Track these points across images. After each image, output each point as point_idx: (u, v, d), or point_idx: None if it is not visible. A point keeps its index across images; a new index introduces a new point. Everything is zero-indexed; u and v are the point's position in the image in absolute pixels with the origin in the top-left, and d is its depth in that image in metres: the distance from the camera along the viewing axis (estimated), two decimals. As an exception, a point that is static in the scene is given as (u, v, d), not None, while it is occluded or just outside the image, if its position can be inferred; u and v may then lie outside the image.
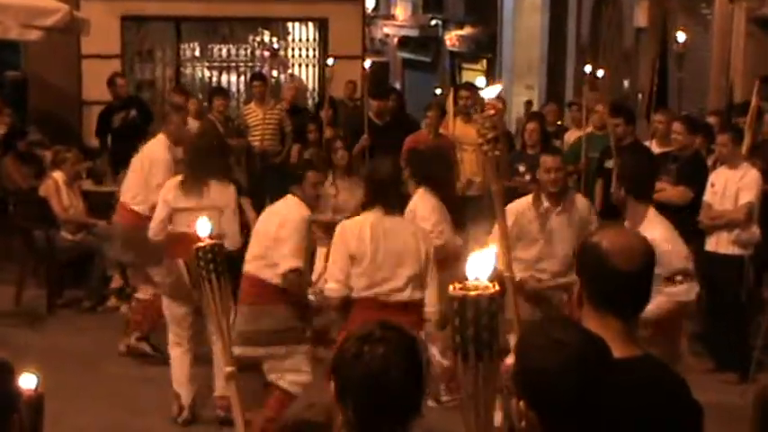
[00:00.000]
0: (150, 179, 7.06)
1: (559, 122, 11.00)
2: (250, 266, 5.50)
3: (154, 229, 6.26)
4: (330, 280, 5.13)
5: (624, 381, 2.23)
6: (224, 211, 6.05)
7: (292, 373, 5.48)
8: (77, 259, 8.60)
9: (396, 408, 2.20)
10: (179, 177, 6.28)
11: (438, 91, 9.61)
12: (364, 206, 5.30)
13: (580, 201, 6.03)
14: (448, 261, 5.70)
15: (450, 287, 1.71)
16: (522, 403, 2.04)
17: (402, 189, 5.53)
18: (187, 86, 12.91)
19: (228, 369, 3.15)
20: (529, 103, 14.88)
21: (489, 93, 2.72)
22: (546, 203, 5.74)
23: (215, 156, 6.26)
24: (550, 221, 5.74)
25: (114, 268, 8.68)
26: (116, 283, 8.67)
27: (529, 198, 5.85)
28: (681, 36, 8.74)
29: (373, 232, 5.07)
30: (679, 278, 4.76)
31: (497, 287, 1.73)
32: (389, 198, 5.16)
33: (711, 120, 8.74)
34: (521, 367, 2.06)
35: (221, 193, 6.15)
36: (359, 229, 5.10)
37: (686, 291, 4.84)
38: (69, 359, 7.00)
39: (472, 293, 1.70)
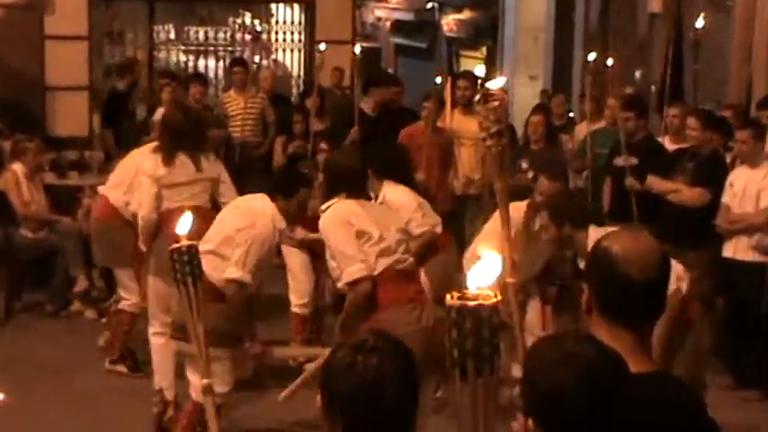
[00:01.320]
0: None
1: (571, 114, 11.01)
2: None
3: (147, 208, 6.34)
4: (351, 266, 5.11)
5: (637, 397, 2.24)
6: (221, 180, 6.38)
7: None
8: (38, 259, 8.56)
9: (390, 422, 2.20)
10: (157, 153, 6.37)
11: (438, 80, 9.56)
12: (326, 198, 5.39)
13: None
14: (435, 249, 5.84)
15: (448, 296, 1.69)
16: (530, 421, 2.04)
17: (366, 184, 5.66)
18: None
19: (205, 381, 3.15)
20: (544, 93, 14.84)
21: (494, 84, 2.72)
22: (539, 223, 5.80)
23: (195, 128, 6.45)
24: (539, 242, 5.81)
25: (79, 269, 8.65)
26: (81, 285, 8.65)
27: (524, 205, 5.89)
28: (700, 22, 8.72)
29: (361, 208, 5.25)
30: None
31: (499, 295, 1.71)
32: (356, 188, 5.33)
33: (726, 113, 8.75)
34: (530, 382, 2.06)
35: (210, 164, 6.42)
36: (348, 209, 5.21)
37: None
38: (30, 369, 6.98)
39: (471, 303, 1.68)
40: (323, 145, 7.79)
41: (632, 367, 2.30)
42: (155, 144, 6.58)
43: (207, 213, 6.12)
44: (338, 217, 5.21)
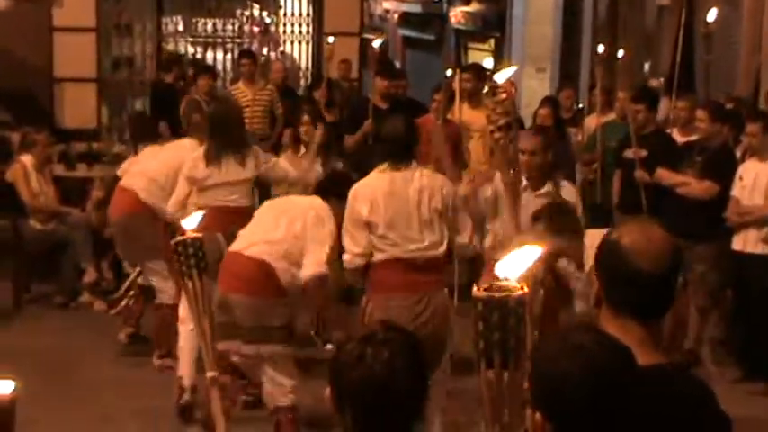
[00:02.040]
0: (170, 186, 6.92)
1: (581, 105, 10.96)
2: (263, 251, 5.44)
3: (174, 205, 6.40)
4: (348, 249, 5.22)
5: (647, 391, 2.23)
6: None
7: (285, 376, 5.48)
8: (47, 250, 8.58)
9: (398, 414, 2.20)
10: (201, 152, 6.42)
11: (449, 72, 9.53)
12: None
13: (568, 193, 5.96)
14: None
15: (474, 288, 1.69)
16: (537, 415, 2.03)
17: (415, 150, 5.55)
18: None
19: (211, 374, 3.14)
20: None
21: (502, 76, 2.70)
22: (525, 182, 5.73)
23: (238, 126, 6.48)
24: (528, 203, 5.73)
25: (88, 260, 8.66)
26: (90, 276, 8.66)
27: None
28: (711, 15, 8.69)
29: (385, 194, 5.20)
30: None
31: (525, 288, 1.70)
32: (400, 155, 5.25)
33: (729, 105, 8.72)
34: (536, 375, 2.04)
35: (253, 161, 6.42)
36: (371, 191, 5.20)
37: None
38: (39, 361, 6.97)
39: (498, 295, 1.67)
40: (305, 117, 7.75)
41: (641, 360, 2.28)
42: (200, 145, 6.57)
43: (244, 212, 6.14)
44: (358, 195, 5.24)
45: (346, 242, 5.25)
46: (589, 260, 4.46)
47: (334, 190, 5.66)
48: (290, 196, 5.97)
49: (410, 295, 5.15)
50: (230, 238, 6.18)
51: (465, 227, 6.66)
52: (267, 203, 6.00)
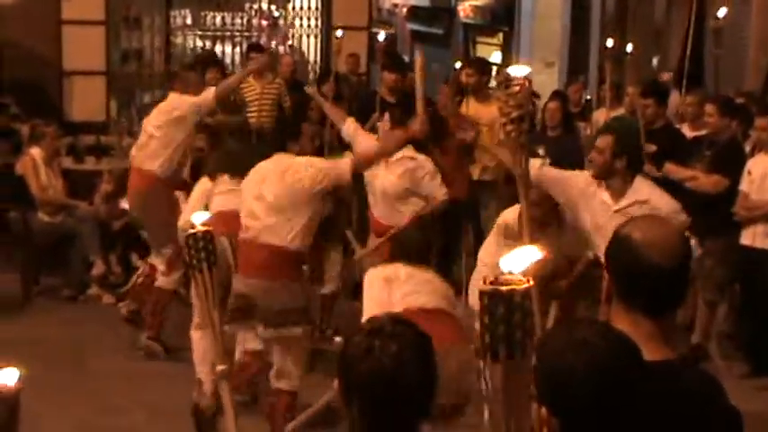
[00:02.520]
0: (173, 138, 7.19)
1: (589, 97, 10.93)
2: (264, 234, 5.47)
3: (186, 220, 6.32)
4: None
5: (656, 386, 2.22)
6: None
7: (293, 362, 5.51)
8: (56, 243, 8.59)
9: (406, 409, 2.19)
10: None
11: (458, 64, 9.50)
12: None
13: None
14: None
15: (481, 281, 1.68)
16: (543, 410, 2.02)
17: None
18: (177, 57, 12.88)
19: (220, 367, 3.14)
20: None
21: (516, 71, 2.68)
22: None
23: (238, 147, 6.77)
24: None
25: (96, 253, 8.67)
26: (98, 269, 8.66)
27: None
28: (722, 11, 8.67)
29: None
30: None
31: (531, 282, 1.69)
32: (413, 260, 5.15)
33: (740, 100, 8.70)
34: (541, 370, 2.03)
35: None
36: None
37: None
38: (47, 353, 6.99)
39: (504, 288, 1.66)
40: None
41: (651, 355, 2.28)
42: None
43: None
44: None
45: None
46: None
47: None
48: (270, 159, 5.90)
49: None
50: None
51: None
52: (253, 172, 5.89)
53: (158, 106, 7.52)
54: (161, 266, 7.27)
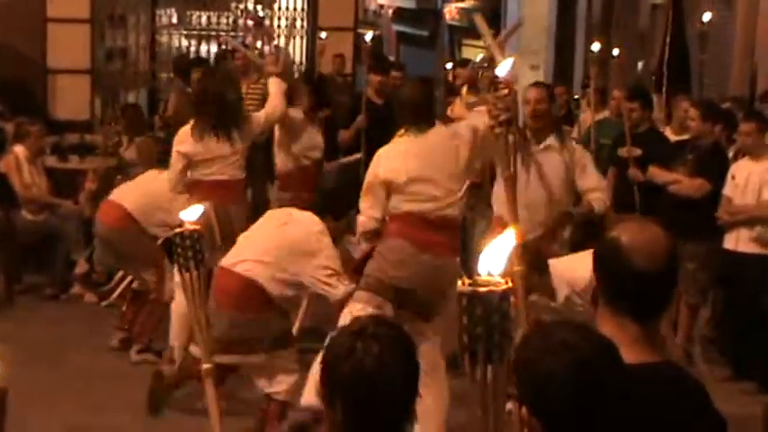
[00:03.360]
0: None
1: (576, 97, 10.95)
2: (254, 270, 5.42)
3: (173, 181, 6.49)
4: (361, 216, 5.40)
5: (640, 388, 2.23)
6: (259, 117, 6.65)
7: (282, 374, 5.49)
8: (39, 242, 8.55)
9: (388, 409, 2.19)
10: (189, 127, 6.53)
11: (449, 65, 9.50)
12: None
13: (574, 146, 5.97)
14: None
15: (459, 282, 1.69)
16: (523, 409, 2.03)
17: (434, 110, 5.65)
18: (163, 57, 12.86)
19: (206, 366, 3.14)
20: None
21: (502, 70, 2.68)
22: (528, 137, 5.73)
23: (222, 102, 6.48)
24: (535, 159, 5.70)
25: (79, 252, 8.64)
26: (81, 268, 8.63)
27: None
28: (707, 16, 8.72)
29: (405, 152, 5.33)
30: None
31: (509, 283, 1.70)
32: (420, 120, 5.31)
33: (726, 105, 8.74)
34: (522, 371, 2.04)
35: (242, 133, 6.49)
36: (387, 155, 5.36)
37: None
38: (30, 352, 6.94)
39: (482, 289, 1.67)
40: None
41: (636, 358, 2.29)
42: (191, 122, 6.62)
43: (235, 186, 6.39)
44: (374, 165, 5.42)
45: (363, 205, 5.34)
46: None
47: (330, 209, 5.69)
48: (290, 209, 5.87)
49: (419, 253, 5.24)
50: (223, 215, 6.21)
51: None
52: (268, 214, 5.95)
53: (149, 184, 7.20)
54: (152, 285, 7.14)
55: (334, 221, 5.61)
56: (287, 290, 5.44)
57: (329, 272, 5.35)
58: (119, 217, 7.03)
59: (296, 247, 5.40)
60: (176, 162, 6.51)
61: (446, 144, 5.32)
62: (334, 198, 6.01)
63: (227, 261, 5.52)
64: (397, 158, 5.30)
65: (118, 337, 7.36)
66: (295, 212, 5.70)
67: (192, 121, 6.56)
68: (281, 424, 5.37)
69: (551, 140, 5.76)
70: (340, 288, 5.35)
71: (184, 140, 6.50)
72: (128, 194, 7.13)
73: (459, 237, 5.63)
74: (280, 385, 5.50)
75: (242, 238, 5.64)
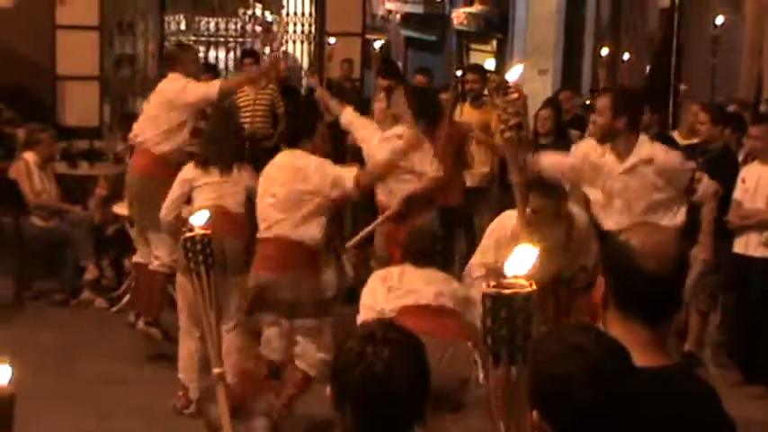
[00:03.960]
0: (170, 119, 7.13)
1: (588, 102, 10.95)
2: (278, 229, 5.54)
3: (167, 208, 6.40)
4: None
5: (650, 391, 2.22)
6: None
7: (321, 351, 5.55)
8: (49, 248, 8.58)
9: (399, 415, 2.19)
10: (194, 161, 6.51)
11: (459, 73, 9.49)
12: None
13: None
14: None
15: (484, 285, 1.69)
16: (534, 413, 2.02)
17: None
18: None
19: (217, 370, 3.14)
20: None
21: (512, 75, 2.68)
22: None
23: (231, 139, 6.49)
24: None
25: (89, 258, 8.66)
26: (91, 274, 8.65)
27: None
28: (719, 19, 8.73)
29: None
30: None
31: (534, 286, 1.70)
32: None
33: (732, 108, 8.73)
34: (534, 375, 2.04)
35: (242, 174, 6.41)
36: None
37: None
38: (39, 357, 6.96)
39: (507, 291, 1.67)
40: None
41: (646, 361, 2.28)
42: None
43: (231, 216, 6.23)
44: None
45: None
46: None
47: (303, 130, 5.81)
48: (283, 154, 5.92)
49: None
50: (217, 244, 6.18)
51: None
52: (267, 168, 5.94)
53: (161, 88, 7.33)
54: (156, 251, 7.14)
55: (311, 140, 5.74)
56: (317, 231, 5.55)
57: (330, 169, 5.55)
58: (146, 163, 7.18)
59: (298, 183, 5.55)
60: (176, 189, 6.44)
61: None
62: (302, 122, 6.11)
63: (261, 233, 5.65)
64: None
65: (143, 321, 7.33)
66: (289, 157, 5.77)
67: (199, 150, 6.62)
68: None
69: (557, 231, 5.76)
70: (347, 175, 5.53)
71: (189, 167, 6.48)
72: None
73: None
74: (310, 359, 5.56)
75: (264, 202, 5.71)
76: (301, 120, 6.02)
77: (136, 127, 7.40)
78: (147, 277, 7.24)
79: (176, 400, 6.29)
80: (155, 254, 7.16)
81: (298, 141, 5.77)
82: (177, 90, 7.13)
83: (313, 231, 5.58)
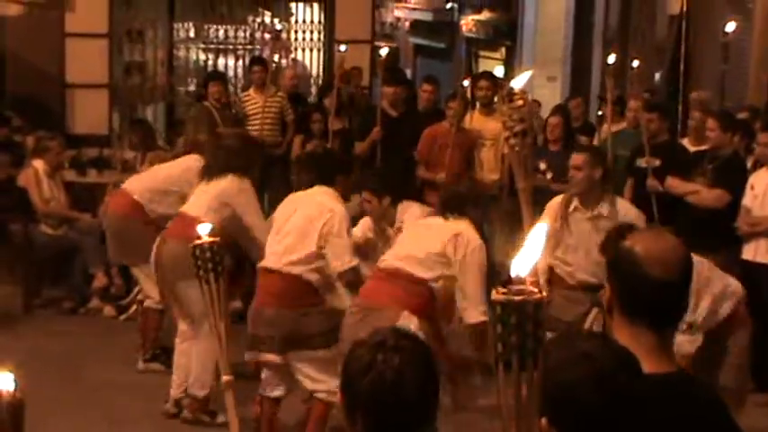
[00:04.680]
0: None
1: (600, 112, 10.95)
2: (285, 263, 5.54)
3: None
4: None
5: (656, 398, 2.23)
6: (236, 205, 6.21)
7: (325, 376, 5.54)
8: (58, 256, 8.60)
9: (410, 423, 2.20)
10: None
11: (466, 82, 9.47)
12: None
13: (624, 207, 5.97)
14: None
15: (494, 291, 1.70)
16: (543, 420, 2.03)
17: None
18: (180, 70, 12.91)
19: (226, 378, 3.15)
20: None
21: (519, 81, 2.70)
22: (575, 204, 5.76)
23: (237, 157, 6.41)
24: (578, 225, 5.75)
25: (98, 266, 8.68)
26: (99, 282, 8.67)
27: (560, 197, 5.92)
28: (730, 26, 8.73)
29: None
30: None
31: (544, 292, 1.70)
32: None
33: (742, 115, 8.73)
34: (542, 382, 2.05)
35: (234, 192, 6.28)
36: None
37: None
38: (47, 365, 7.00)
39: (516, 298, 1.68)
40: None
41: (653, 368, 2.29)
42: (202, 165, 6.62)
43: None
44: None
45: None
46: None
47: (338, 168, 5.84)
48: (301, 194, 5.90)
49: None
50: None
51: None
52: (283, 204, 5.96)
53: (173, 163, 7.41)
54: (145, 290, 7.18)
55: (345, 178, 5.75)
56: (326, 277, 5.58)
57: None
58: (125, 204, 7.19)
59: (323, 230, 5.54)
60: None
61: None
62: (335, 160, 6.20)
63: (267, 263, 5.63)
64: None
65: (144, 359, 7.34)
66: (307, 197, 5.76)
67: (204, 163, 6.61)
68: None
69: (601, 209, 5.82)
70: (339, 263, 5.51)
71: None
72: (135, 184, 7.28)
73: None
74: (325, 384, 5.54)
75: (271, 238, 5.69)
76: (339, 157, 6.06)
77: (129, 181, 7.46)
78: (143, 317, 7.31)
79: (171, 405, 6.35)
80: (144, 293, 7.23)
81: (333, 179, 5.74)
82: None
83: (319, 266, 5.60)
